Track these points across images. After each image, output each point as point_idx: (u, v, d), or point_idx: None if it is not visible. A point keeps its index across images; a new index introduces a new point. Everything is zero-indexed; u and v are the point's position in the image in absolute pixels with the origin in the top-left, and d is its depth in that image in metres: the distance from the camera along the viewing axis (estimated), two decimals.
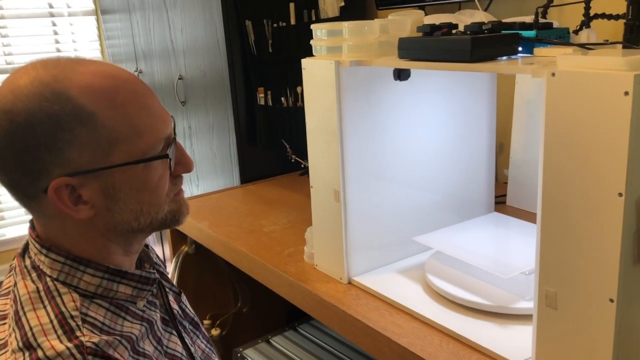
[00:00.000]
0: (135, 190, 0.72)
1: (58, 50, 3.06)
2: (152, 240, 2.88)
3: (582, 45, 0.88)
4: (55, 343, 0.66)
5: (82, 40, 3.10)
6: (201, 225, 1.58)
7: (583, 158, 0.71)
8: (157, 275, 0.80)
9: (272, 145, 1.92)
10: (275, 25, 1.86)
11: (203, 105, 2.07)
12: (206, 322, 1.84)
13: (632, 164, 0.67)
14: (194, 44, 2.03)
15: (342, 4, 1.93)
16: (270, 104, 1.89)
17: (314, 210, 1.21)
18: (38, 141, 0.66)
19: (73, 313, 0.69)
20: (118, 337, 0.70)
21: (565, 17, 1.47)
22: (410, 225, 1.23)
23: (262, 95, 1.89)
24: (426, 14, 1.90)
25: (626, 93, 0.65)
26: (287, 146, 1.89)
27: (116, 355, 0.68)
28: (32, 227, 0.76)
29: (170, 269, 1.81)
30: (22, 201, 0.73)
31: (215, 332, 1.84)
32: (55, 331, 0.67)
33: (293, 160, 1.89)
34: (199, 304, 1.84)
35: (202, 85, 2.04)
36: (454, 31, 0.96)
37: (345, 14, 1.93)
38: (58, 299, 0.70)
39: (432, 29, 0.96)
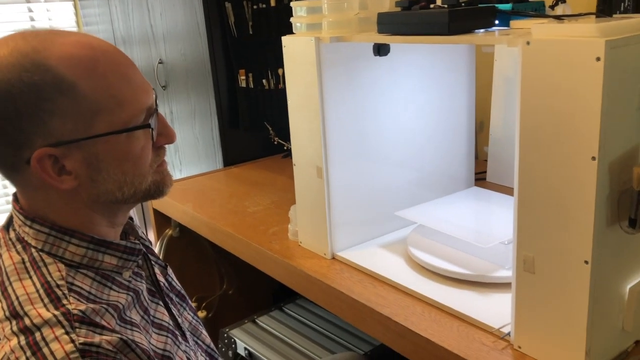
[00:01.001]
0: (118, 160, 0.73)
1: None
2: (136, 221, 2.87)
3: (556, 17, 0.90)
4: (42, 311, 0.66)
5: (59, 27, 3.06)
6: (185, 207, 1.58)
7: (557, 123, 0.73)
8: (141, 247, 0.81)
9: (255, 127, 1.92)
10: (255, 7, 1.86)
11: (184, 90, 2.06)
12: (192, 304, 1.85)
13: (604, 128, 0.69)
14: (173, 28, 2.02)
15: None
16: (252, 87, 1.89)
17: (297, 188, 1.22)
18: (19, 112, 0.67)
19: (59, 282, 0.69)
20: (105, 306, 0.70)
21: None
22: (392, 201, 1.25)
23: (243, 77, 1.89)
24: None
25: (598, 59, 0.67)
26: (270, 128, 1.90)
27: (103, 322, 0.68)
28: (16, 199, 0.76)
29: (155, 252, 1.81)
30: (6, 173, 0.73)
31: (201, 314, 1.85)
32: (42, 299, 0.67)
33: (276, 143, 1.90)
34: (185, 286, 1.82)
35: (183, 69, 2.03)
36: (432, 5, 0.97)
37: None
38: (44, 269, 0.70)
39: (410, 3, 0.97)
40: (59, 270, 0.70)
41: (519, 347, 0.85)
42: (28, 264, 0.71)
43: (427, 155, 1.29)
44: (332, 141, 1.13)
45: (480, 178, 1.52)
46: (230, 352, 1.60)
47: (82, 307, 0.68)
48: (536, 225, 0.79)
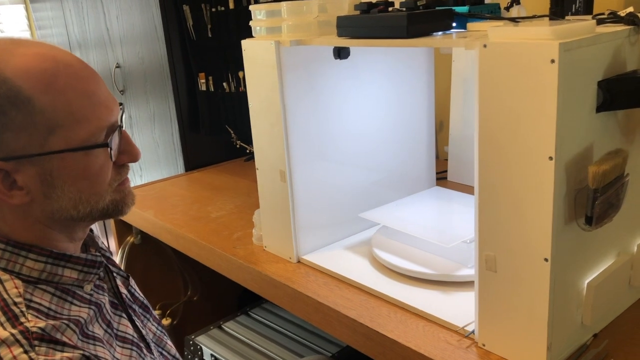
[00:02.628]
0: (74, 178, 0.70)
1: None
2: (96, 232, 2.81)
3: (512, 19, 0.92)
4: None
5: (11, 30, 2.97)
6: (146, 214, 1.56)
7: (515, 125, 0.74)
8: (103, 259, 0.79)
9: (216, 131, 1.90)
10: (213, 9, 1.84)
11: (143, 94, 2.03)
12: (156, 312, 1.82)
13: (560, 128, 0.71)
14: (130, 31, 1.98)
15: None
16: (212, 90, 1.88)
17: (260, 192, 1.22)
18: None
19: (16, 300, 0.67)
20: (65, 321, 0.68)
21: None
22: (356, 203, 1.26)
23: (203, 81, 1.87)
24: None
25: (552, 61, 0.68)
26: (232, 132, 1.88)
27: (64, 339, 0.67)
28: None
29: (117, 260, 1.77)
30: None
31: (166, 322, 1.82)
32: None
33: (238, 146, 1.88)
34: (148, 294, 1.79)
35: (141, 73, 2.00)
36: (390, 9, 0.98)
37: None
38: (0, 286, 0.68)
39: (369, 7, 0.98)
40: (16, 287, 0.68)
41: (483, 345, 0.87)
42: None
43: (389, 156, 1.30)
44: (295, 144, 1.13)
45: (441, 177, 1.54)
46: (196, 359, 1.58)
47: (42, 324, 0.66)
48: (497, 225, 0.80)
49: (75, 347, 0.67)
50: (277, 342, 1.52)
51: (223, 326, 1.64)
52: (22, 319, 0.65)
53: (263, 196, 1.21)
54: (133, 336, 0.80)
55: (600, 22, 0.83)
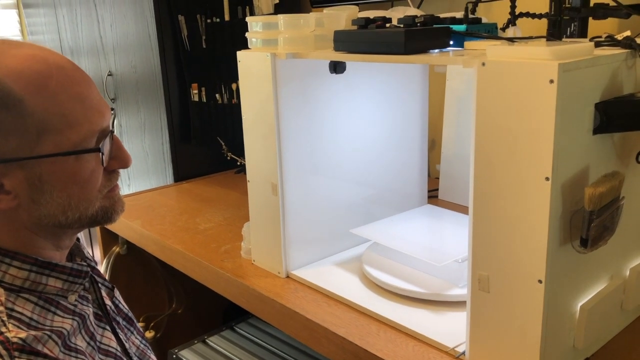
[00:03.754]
0: (63, 183, 0.69)
1: None
2: (82, 242, 2.77)
3: (509, 39, 0.92)
4: None
5: (2, 35, 2.95)
6: (133, 224, 1.53)
7: (512, 144, 0.74)
8: (88, 269, 0.77)
9: (207, 142, 1.89)
10: (209, 20, 1.84)
11: (134, 102, 2.01)
12: (140, 324, 1.78)
13: (557, 149, 0.70)
14: (124, 40, 1.97)
15: (277, 1, 1.93)
16: (205, 101, 1.86)
17: (251, 205, 1.20)
18: None
19: None
20: (48, 332, 0.66)
21: (492, 15, 1.53)
22: (347, 218, 1.24)
23: (195, 91, 1.86)
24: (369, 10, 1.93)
25: (551, 81, 0.68)
26: (223, 143, 1.87)
27: (45, 350, 0.64)
28: None
29: (102, 270, 1.74)
30: None
31: (149, 334, 1.78)
32: None
33: (229, 158, 1.87)
34: (132, 305, 1.75)
35: (133, 82, 1.98)
36: (387, 25, 0.98)
37: (280, 11, 1.93)
38: None
39: (366, 22, 0.97)
40: None
41: None
42: None
43: (382, 173, 1.29)
44: (288, 158, 1.11)
45: (433, 196, 1.53)
46: None
47: (23, 334, 0.64)
48: (491, 245, 0.79)
49: (55, 359, 0.64)
50: (263, 359, 1.50)
51: (207, 340, 1.61)
52: (3, 329, 0.64)
53: (253, 209, 1.20)
54: (116, 349, 0.78)
55: (597, 45, 0.83)
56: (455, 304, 1.00)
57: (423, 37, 0.91)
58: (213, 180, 1.88)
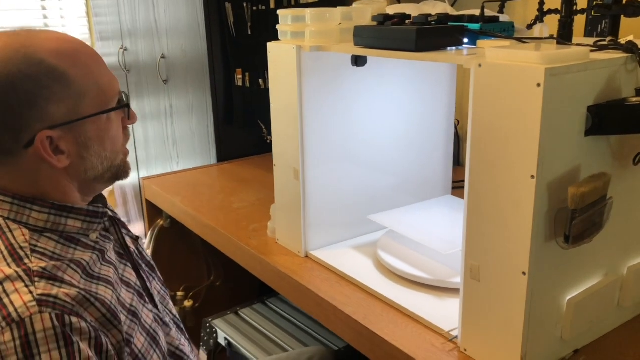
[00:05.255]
0: (101, 139, 0.83)
1: (46, 26, 3.09)
2: (134, 215, 2.94)
3: (519, 40, 0.95)
4: (5, 268, 0.74)
5: (70, 17, 3.14)
6: (175, 199, 1.64)
7: (502, 143, 0.78)
8: (106, 210, 0.89)
9: (249, 125, 1.98)
10: (254, 8, 1.91)
11: (184, 85, 2.12)
12: (180, 293, 1.91)
13: (543, 149, 0.74)
14: (176, 24, 2.08)
15: None
16: (248, 86, 1.95)
17: (276, 188, 1.28)
18: (20, 100, 0.75)
19: (22, 245, 0.77)
20: (67, 262, 0.78)
21: (529, 12, 1.54)
22: (368, 205, 1.30)
23: (240, 76, 1.94)
24: (400, 3, 1.96)
25: (538, 85, 0.72)
26: (263, 127, 1.95)
27: (65, 277, 0.76)
28: None
29: (146, 242, 1.88)
30: None
31: (188, 303, 1.91)
32: (5, 259, 0.75)
33: (268, 141, 1.95)
34: (173, 276, 1.91)
35: (183, 65, 2.09)
36: (407, 22, 1.02)
37: (325, 1, 1.98)
38: (9, 234, 0.78)
39: (384, 19, 1.02)
40: (23, 235, 0.78)
41: (465, 350, 0.90)
42: None
43: (404, 162, 1.34)
44: (310, 145, 1.18)
45: (460, 187, 1.56)
46: (211, 342, 1.66)
47: (43, 264, 0.75)
48: (482, 237, 0.84)
49: (74, 285, 0.75)
50: (288, 332, 1.58)
51: (239, 312, 1.71)
52: (26, 260, 0.75)
53: (278, 191, 1.28)
54: (135, 284, 0.89)
55: (602, 48, 0.85)
56: (457, 291, 1.05)
57: (435, 35, 0.95)
58: (252, 162, 1.98)
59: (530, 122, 0.74)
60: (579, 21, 1.45)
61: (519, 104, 0.74)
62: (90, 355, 0.72)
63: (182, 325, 1.03)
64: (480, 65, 0.79)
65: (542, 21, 1.27)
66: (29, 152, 0.78)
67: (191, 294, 1.94)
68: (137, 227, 2.85)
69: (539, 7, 1.25)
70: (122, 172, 0.89)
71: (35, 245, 0.78)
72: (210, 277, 1.98)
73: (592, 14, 1.31)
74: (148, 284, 0.95)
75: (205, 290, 1.97)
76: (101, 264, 0.84)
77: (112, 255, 0.88)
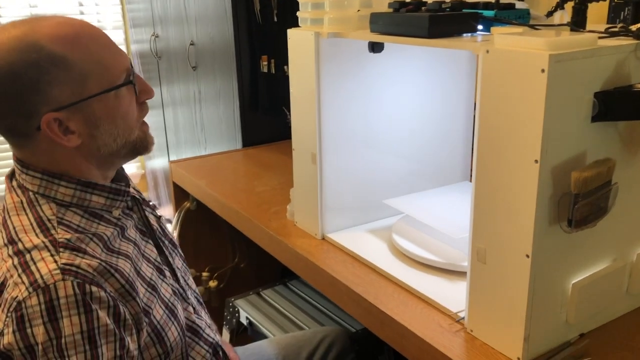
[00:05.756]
0: (111, 116, 0.86)
1: (81, 13, 3.18)
2: (164, 198, 3.02)
3: (532, 26, 0.95)
4: (33, 238, 0.80)
5: (104, 4, 3.21)
6: (200, 182, 1.70)
7: (509, 127, 0.79)
8: (128, 189, 0.93)
9: (274, 112, 2.01)
10: None
11: (211, 71, 2.17)
12: (205, 274, 1.97)
13: (547, 134, 0.75)
14: (204, 11, 2.12)
15: None
16: (273, 72, 1.98)
17: (295, 171, 1.31)
18: (25, 86, 0.79)
19: (50, 217, 0.83)
20: (90, 235, 0.83)
21: None
22: (385, 189, 1.33)
23: (265, 63, 1.98)
24: None
25: (542, 70, 0.73)
26: (287, 113, 1.98)
27: (87, 249, 0.81)
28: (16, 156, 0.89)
29: (172, 223, 1.94)
30: (19, 142, 0.86)
31: (212, 283, 1.97)
32: (34, 229, 0.81)
33: None
34: (199, 256, 1.97)
35: (211, 52, 2.13)
36: (423, 8, 1.04)
37: None
38: (38, 208, 0.84)
39: (400, 5, 1.04)
40: (51, 209, 0.84)
41: (471, 331, 0.92)
42: (25, 204, 0.84)
43: (422, 148, 1.36)
44: (327, 129, 1.21)
45: None
46: (234, 321, 1.72)
47: (68, 236, 0.81)
48: (488, 220, 0.85)
49: (95, 257, 0.81)
50: (307, 313, 1.63)
51: (262, 293, 1.76)
52: (53, 232, 0.81)
53: (297, 175, 1.31)
54: (156, 259, 0.94)
55: (613, 34, 0.85)
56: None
57: (448, 22, 0.96)
58: (276, 147, 2.01)
59: (535, 108, 0.75)
60: (603, 8, 1.44)
61: (524, 90, 0.76)
62: (108, 322, 0.77)
63: (201, 300, 1.08)
64: (487, 52, 0.80)
65: (562, 8, 1.27)
66: (41, 134, 0.83)
67: (216, 274, 2.00)
68: (167, 210, 2.93)
69: None
70: (140, 147, 0.92)
71: (62, 218, 0.83)
72: (235, 258, 2.03)
73: (615, 0, 1.30)
74: (170, 260, 1.00)
75: (229, 272, 2.02)
76: (121, 239, 0.89)
77: (132, 232, 0.93)
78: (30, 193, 0.85)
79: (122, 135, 0.88)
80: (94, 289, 0.77)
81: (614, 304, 0.95)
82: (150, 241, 0.96)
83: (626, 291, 0.96)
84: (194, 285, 1.08)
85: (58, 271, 0.76)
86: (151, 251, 0.95)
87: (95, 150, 0.87)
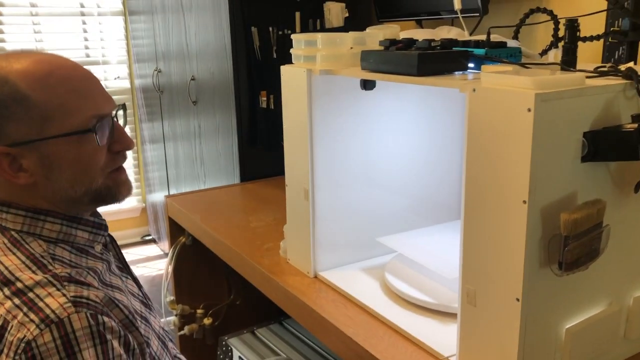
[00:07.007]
0: (69, 161, 0.84)
1: (86, 48, 3.22)
2: (164, 233, 3.00)
3: (523, 65, 0.95)
4: (32, 275, 0.77)
5: (109, 39, 3.26)
6: (194, 217, 1.68)
7: (495, 168, 0.78)
8: (106, 222, 0.92)
9: (272, 146, 2.01)
10: (280, 32, 1.96)
11: (211, 106, 2.18)
12: (199, 311, 1.94)
13: (534, 174, 0.73)
14: (205, 47, 2.14)
15: (347, 14, 2.02)
16: (272, 108, 1.99)
17: (287, 207, 1.30)
18: None
19: (42, 254, 0.81)
20: (85, 269, 0.82)
21: (549, 37, 1.53)
22: (379, 227, 1.30)
23: (264, 98, 1.98)
24: (423, 27, 1.97)
25: (529, 109, 0.72)
26: None
27: (88, 281, 0.80)
28: None
29: (167, 258, 1.91)
30: None
31: (207, 321, 1.93)
32: (29, 267, 0.79)
33: None
34: (194, 293, 1.94)
35: (211, 87, 2.15)
36: (413, 47, 1.04)
37: (350, 25, 2.01)
38: (26, 245, 0.82)
39: (391, 43, 1.04)
40: (40, 245, 0.82)
41: None
42: (9, 244, 0.82)
43: (417, 184, 1.34)
44: (319, 166, 1.20)
45: None
46: None
47: (67, 270, 0.80)
48: (478, 261, 0.83)
49: (98, 288, 0.80)
50: (302, 354, 1.59)
51: (256, 332, 1.73)
52: (50, 267, 0.79)
53: (289, 211, 1.29)
54: (138, 294, 0.93)
55: (602, 74, 0.84)
56: None
57: (437, 60, 0.96)
58: (274, 182, 2.00)
59: (522, 147, 0.73)
60: (598, 47, 1.44)
61: (511, 129, 0.74)
62: (122, 352, 0.75)
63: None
64: (474, 90, 0.79)
65: (556, 47, 1.26)
66: None
67: (211, 312, 1.96)
68: (166, 244, 2.91)
69: (553, 32, 1.25)
70: (107, 195, 0.89)
71: (54, 254, 0.82)
72: (231, 295, 2.00)
73: (609, 40, 1.30)
74: (149, 297, 0.99)
75: (225, 309, 1.99)
76: (109, 274, 0.88)
77: (115, 268, 0.92)
78: (13, 232, 0.84)
79: (80, 182, 0.86)
80: (106, 319, 0.76)
81: (610, 349, 0.91)
82: (129, 277, 0.95)
83: (623, 336, 0.92)
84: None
85: (69, 304, 0.74)
86: (132, 286, 0.94)
87: (51, 193, 0.85)
